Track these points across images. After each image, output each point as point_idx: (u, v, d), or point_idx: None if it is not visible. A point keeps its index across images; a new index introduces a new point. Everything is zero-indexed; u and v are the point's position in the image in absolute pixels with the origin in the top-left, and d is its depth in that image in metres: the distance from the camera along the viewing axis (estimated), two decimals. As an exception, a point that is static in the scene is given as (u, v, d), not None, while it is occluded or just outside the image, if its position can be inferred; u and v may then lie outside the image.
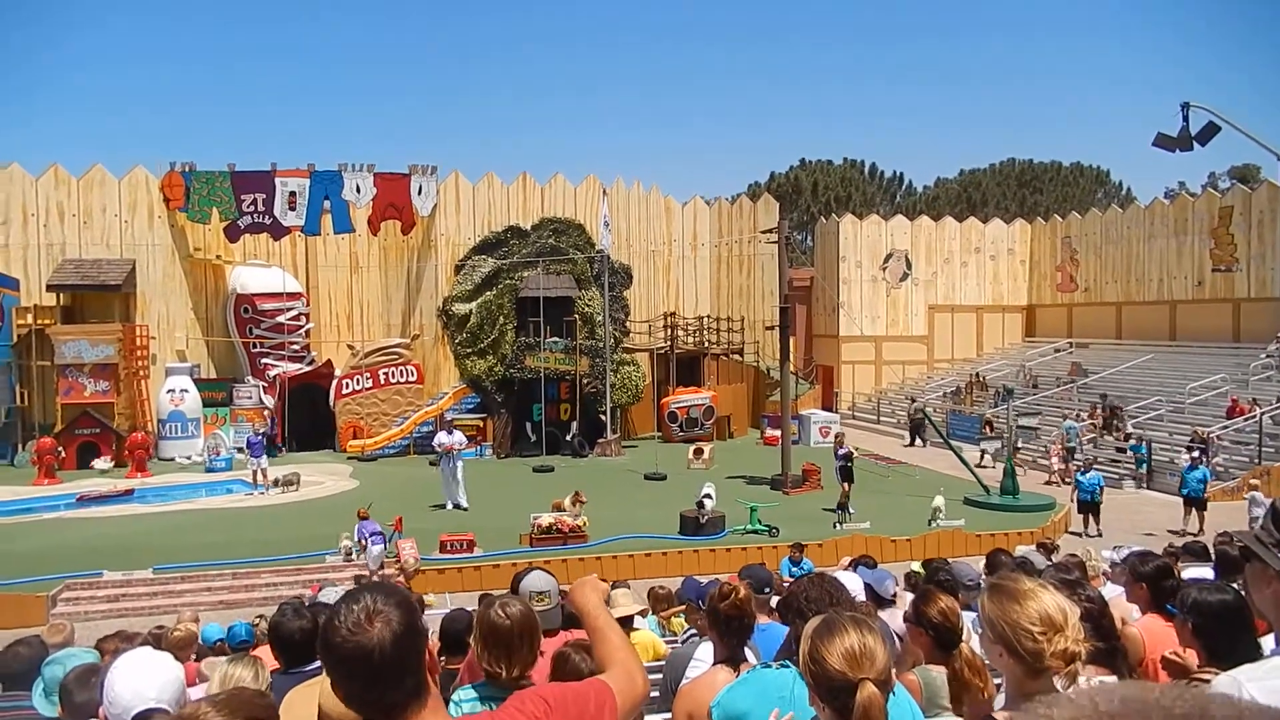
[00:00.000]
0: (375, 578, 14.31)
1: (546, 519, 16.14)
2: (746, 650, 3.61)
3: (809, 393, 33.12)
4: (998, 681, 2.99)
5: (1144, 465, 22.70)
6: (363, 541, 14.77)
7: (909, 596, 7.62)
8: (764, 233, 27.56)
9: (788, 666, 3.02)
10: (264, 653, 5.99)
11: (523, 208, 30.47)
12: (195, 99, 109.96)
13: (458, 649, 5.29)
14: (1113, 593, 5.59)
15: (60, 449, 23.26)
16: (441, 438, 19.26)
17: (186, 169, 27.86)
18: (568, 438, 26.31)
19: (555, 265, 27.60)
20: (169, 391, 26.01)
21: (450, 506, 18.99)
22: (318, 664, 4.40)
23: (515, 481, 22.33)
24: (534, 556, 15.08)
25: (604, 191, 29.94)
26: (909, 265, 37.36)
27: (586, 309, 27.40)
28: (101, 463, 23.25)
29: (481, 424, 26.43)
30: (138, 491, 21.09)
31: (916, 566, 9.37)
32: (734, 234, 34.84)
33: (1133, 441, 23.66)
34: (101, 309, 26.93)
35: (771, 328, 24.95)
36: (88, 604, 13.81)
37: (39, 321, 26.26)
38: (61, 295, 26.44)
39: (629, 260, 30.47)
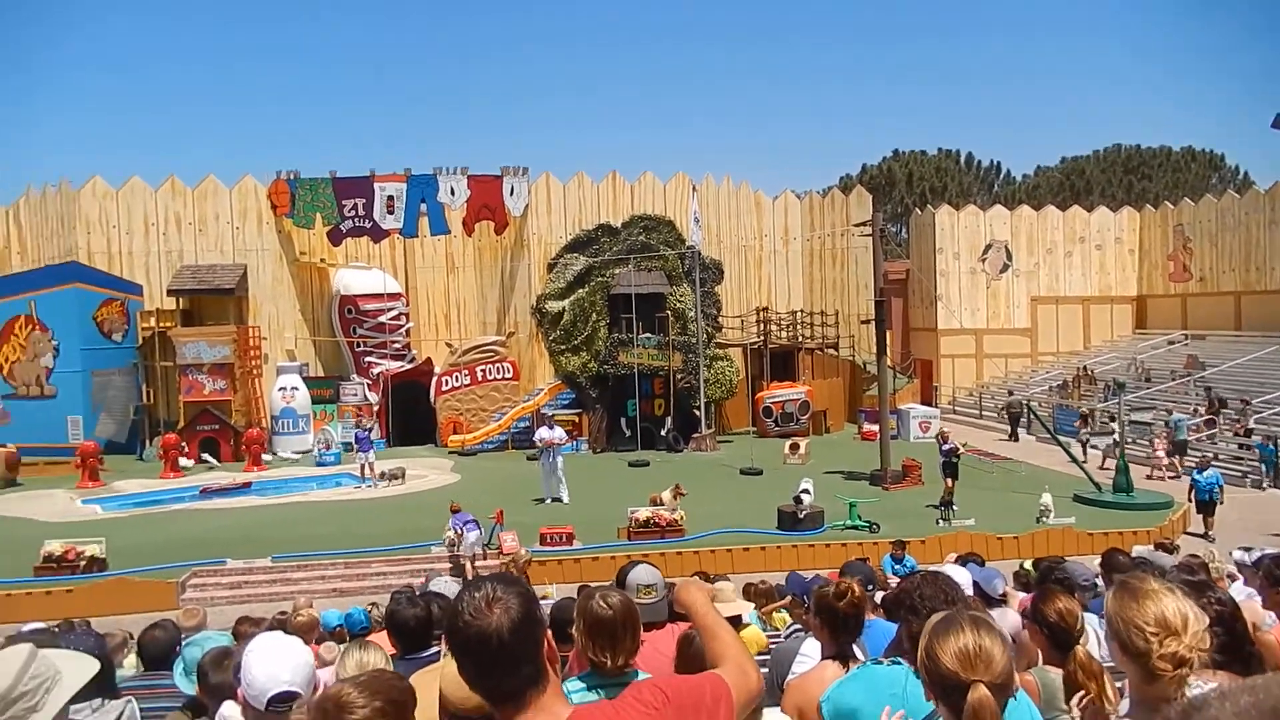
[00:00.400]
0: (474, 564, 14.71)
1: (644, 513, 16.29)
2: (854, 647, 3.61)
3: (907, 387, 32.43)
4: (1120, 685, 2.92)
5: (1271, 465, 21.44)
6: (459, 531, 15.16)
7: (1019, 596, 7.45)
8: (857, 226, 27.13)
9: (899, 663, 3.01)
10: (380, 639, 6.26)
11: (613, 205, 30.74)
12: (299, 108, 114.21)
13: (565, 639, 5.42)
14: (1241, 595, 5.36)
15: (184, 444, 24.53)
16: (542, 433, 19.61)
17: (291, 177, 29.03)
18: (662, 433, 26.44)
19: (646, 262, 27.74)
20: (280, 389, 27.15)
21: (549, 500, 19.31)
22: (434, 650, 4.58)
23: (611, 476, 22.56)
24: (632, 550, 15.23)
25: (693, 188, 29.94)
26: (1009, 256, 36.23)
27: (678, 305, 27.46)
28: (185, 461, 24.32)
29: (577, 419, 26.76)
30: (254, 484, 22.11)
31: (1027, 565, 9.14)
32: (826, 227, 34.39)
33: (1258, 439, 22.41)
34: (217, 311, 28.33)
35: (867, 321, 24.55)
36: (213, 590, 14.57)
37: (161, 324, 27.79)
38: (181, 299, 27.93)
39: (720, 256, 30.40)
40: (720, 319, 29.52)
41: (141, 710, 4.47)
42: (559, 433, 19.81)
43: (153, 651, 5.45)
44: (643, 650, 3.50)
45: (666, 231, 28.60)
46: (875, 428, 23.71)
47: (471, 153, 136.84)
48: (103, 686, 4.29)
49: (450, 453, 26.11)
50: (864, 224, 25.03)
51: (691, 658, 3.33)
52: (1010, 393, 30.76)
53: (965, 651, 2.10)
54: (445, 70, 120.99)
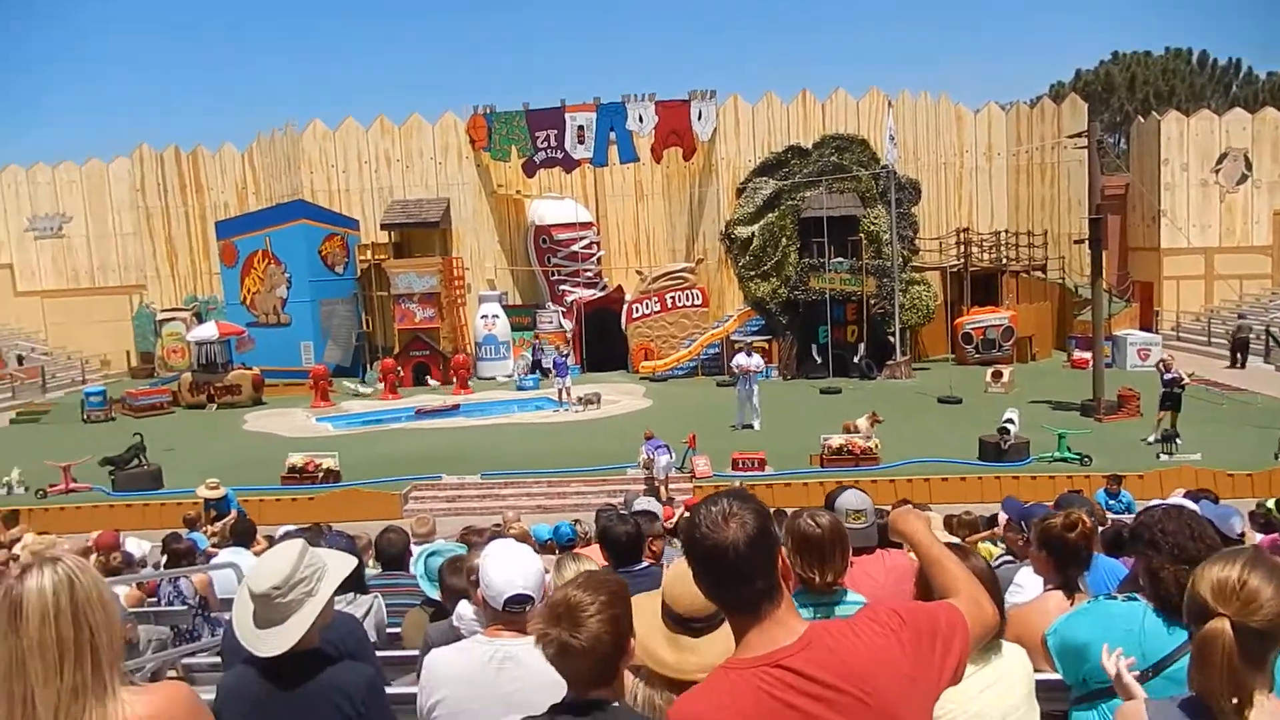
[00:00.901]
0: (667, 487, 15.13)
1: (837, 440, 16.13)
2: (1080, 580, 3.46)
3: (1124, 311, 30.05)
4: None
5: None
6: (650, 456, 15.59)
7: (1258, 537, 6.86)
8: (1070, 137, 25.02)
9: (1135, 599, 2.87)
10: (590, 552, 6.60)
11: (803, 126, 29.85)
12: (492, 44, 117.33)
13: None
14: None
15: (399, 369, 26.42)
16: (740, 359, 19.67)
17: (488, 111, 30.03)
18: (855, 360, 25.90)
19: (838, 184, 26.87)
20: (482, 317, 28.60)
21: (740, 426, 19.46)
22: (644, 564, 4.78)
23: (802, 403, 22.41)
24: (824, 477, 15.17)
25: (889, 104, 28.54)
26: (1249, 166, 32.37)
27: (872, 228, 26.52)
28: (363, 388, 26.19)
29: (766, 346, 26.63)
30: (462, 407, 23.58)
31: (1269, 504, 8.39)
32: (1034, 140, 31.98)
33: None
34: (424, 244, 30.07)
35: (1080, 241, 22.76)
36: (431, 502, 15.76)
37: (376, 257, 29.86)
38: (392, 233, 29.81)
39: (917, 175, 29.01)
40: (917, 241, 28.28)
41: (385, 605, 4.98)
42: (757, 360, 19.83)
43: (389, 553, 6.01)
44: (853, 574, 3.50)
45: (860, 151, 27.50)
46: (1087, 355, 22.20)
47: (659, 79, 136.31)
48: (355, 583, 4.81)
49: (642, 378, 26.72)
50: (1078, 135, 23.06)
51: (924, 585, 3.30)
52: (1241, 316, 27.86)
53: (1224, 582, 1.95)
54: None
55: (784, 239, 26.82)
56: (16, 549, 8.99)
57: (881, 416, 16.85)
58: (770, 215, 27.26)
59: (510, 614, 2.95)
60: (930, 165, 30.75)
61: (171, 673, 6.05)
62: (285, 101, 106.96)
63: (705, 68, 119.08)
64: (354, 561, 3.13)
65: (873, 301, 26.07)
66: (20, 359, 32.33)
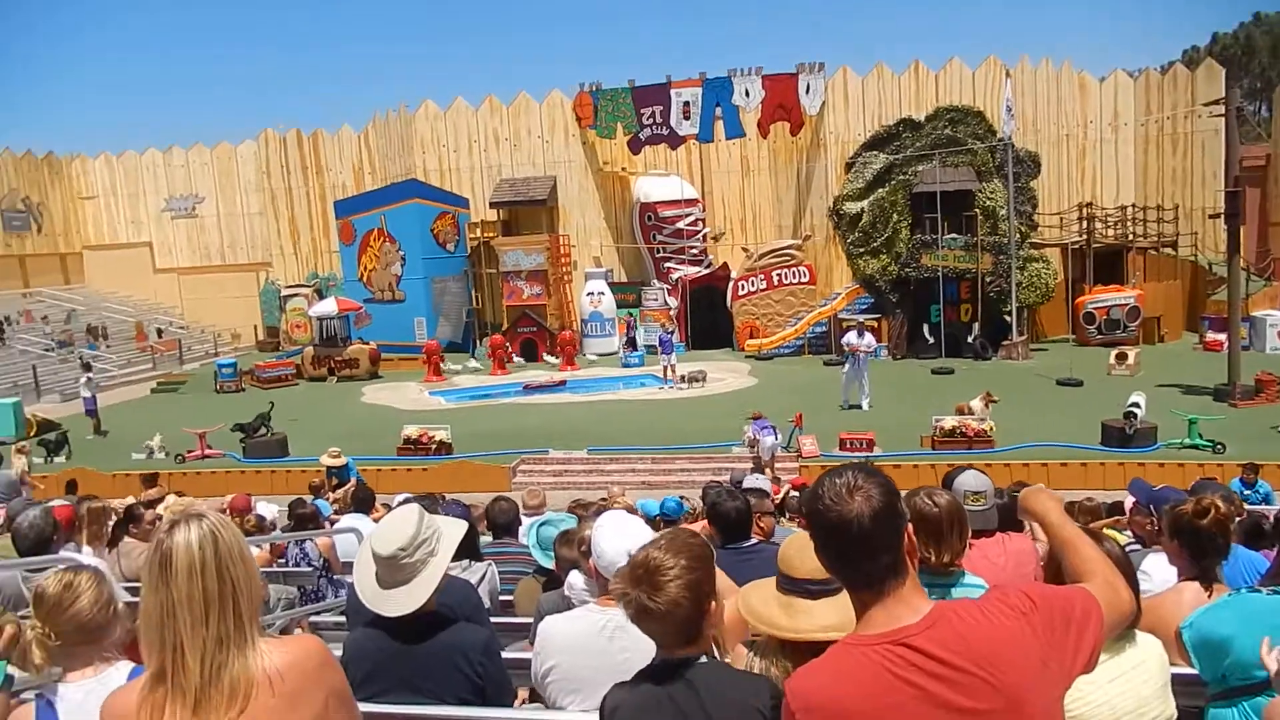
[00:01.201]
0: (772, 468, 15.02)
1: (950, 421, 15.70)
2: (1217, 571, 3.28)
3: (1264, 290, 28.12)
4: None
5: None
6: (755, 436, 15.49)
7: None
8: (1206, 105, 23.52)
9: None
10: (697, 529, 6.64)
11: (915, 98, 28.93)
12: (599, 20, 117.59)
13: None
14: None
15: (507, 344, 26.97)
16: (851, 338, 19.29)
17: (594, 89, 30.16)
18: (969, 339, 25.08)
19: (952, 157, 25.95)
20: (588, 294, 28.89)
21: (847, 406, 19.14)
22: (753, 541, 4.77)
23: (913, 383, 21.87)
24: (935, 459, 14.80)
25: (1006, 73, 27.38)
26: (1405, 131, 29.85)
27: (988, 202, 25.55)
28: (472, 363, 26.66)
29: (876, 324, 26.03)
30: (569, 383, 23.92)
31: None
32: (1165, 109, 30.21)
33: None
34: (531, 221, 30.52)
35: (1216, 216, 21.41)
36: (538, 475, 16.08)
37: (485, 234, 30.47)
38: (500, 211, 30.35)
39: (1036, 147, 27.80)
40: (1035, 217, 27.10)
41: (498, 572, 5.12)
42: (868, 339, 19.42)
43: (500, 521, 6.17)
44: (971, 556, 3.41)
45: (975, 123, 26.44)
46: (1222, 337, 20.95)
47: (767, 52, 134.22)
48: (469, 550, 4.95)
49: (747, 357, 26.55)
50: (1215, 103, 21.65)
51: (1056, 570, 3.19)
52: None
53: None
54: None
55: (895, 214, 26.11)
56: (160, 509, 9.61)
57: (996, 397, 16.29)
58: (880, 190, 26.57)
59: (621, 583, 2.98)
60: (1051, 137, 29.42)
61: (298, 630, 6.38)
62: (399, 83, 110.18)
63: (814, 40, 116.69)
64: (464, 525, 3.22)
65: (988, 279, 25.16)
66: (160, 332, 34.42)
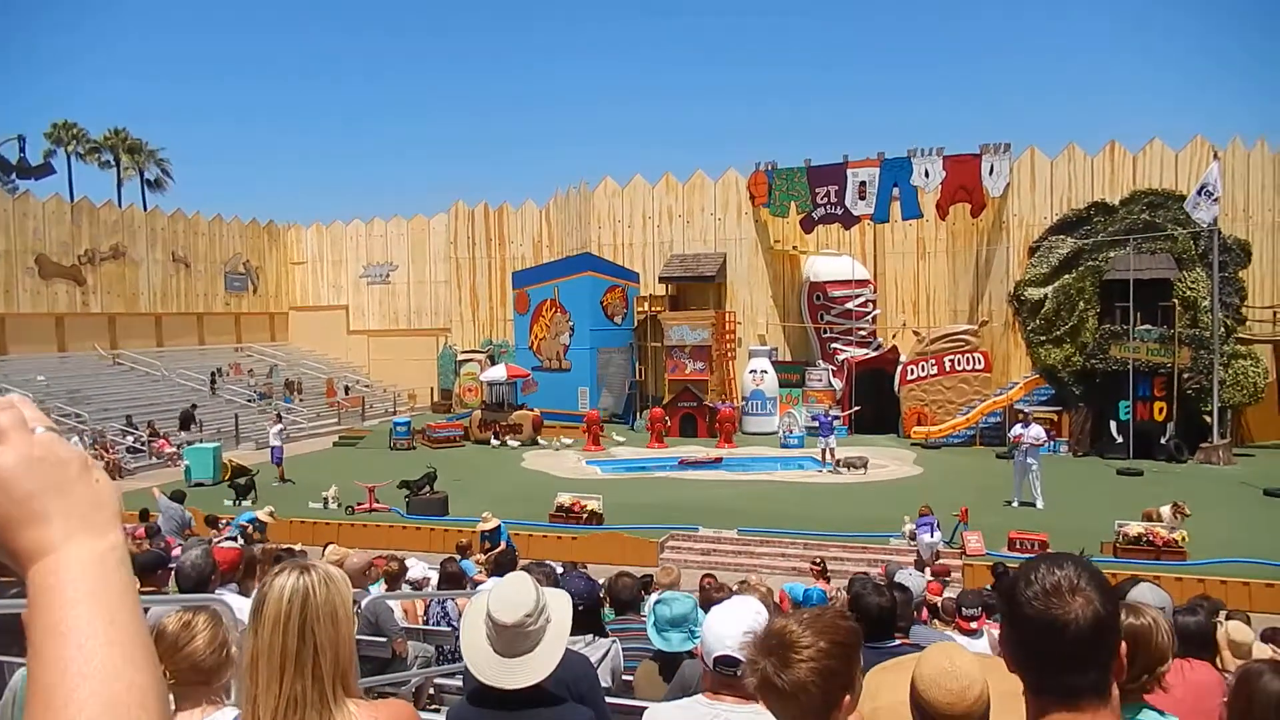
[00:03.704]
0: (933, 565, 14.14)
1: (1135, 528, 14.36)
2: None
3: None
4: None
5: None
6: (915, 531, 14.66)
7: None
8: None
9: None
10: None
11: (1109, 181, 27.40)
12: (776, 99, 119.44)
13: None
14: None
15: (667, 419, 27.07)
16: (1018, 429, 18.21)
17: (769, 168, 30.39)
18: (1162, 440, 23.06)
19: (1149, 244, 24.32)
20: (751, 372, 28.68)
21: (1017, 503, 17.92)
22: (895, 642, 4.43)
23: (1095, 483, 20.27)
24: (1118, 568, 13.52)
25: (1214, 154, 25.47)
26: None
27: (1188, 293, 23.69)
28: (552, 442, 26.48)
29: (1056, 418, 24.44)
30: (725, 460, 23.66)
31: None
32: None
33: None
34: (698, 297, 30.85)
35: None
36: (686, 553, 15.84)
37: (653, 309, 31.02)
38: (669, 286, 30.85)
39: (1247, 235, 25.66)
40: (1243, 309, 24.88)
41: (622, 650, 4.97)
42: (1037, 430, 18.20)
43: (622, 597, 6.03)
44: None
45: (1176, 208, 24.68)
46: None
47: (947, 132, 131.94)
48: (593, 624, 4.84)
49: (913, 444, 25.47)
50: None
51: (1252, 696, 2.74)
52: None
53: None
54: (922, 48, 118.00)
55: (1081, 302, 24.66)
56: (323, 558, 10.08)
57: (1189, 510, 14.77)
58: (1067, 276, 25.20)
59: (723, 675, 2.82)
60: (1265, 224, 27.07)
61: (430, 690, 6.43)
62: (583, 160, 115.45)
63: (999, 120, 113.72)
64: (567, 595, 3.12)
65: (1186, 375, 23.16)
66: (347, 389, 36.79)
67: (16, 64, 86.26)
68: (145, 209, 39.01)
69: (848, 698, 1.96)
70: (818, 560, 12.16)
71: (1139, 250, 24.23)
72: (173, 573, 5.69)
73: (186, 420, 28.35)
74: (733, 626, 2.85)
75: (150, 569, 5.91)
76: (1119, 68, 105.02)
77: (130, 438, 26.60)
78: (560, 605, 2.92)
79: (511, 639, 2.72)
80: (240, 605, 4.80)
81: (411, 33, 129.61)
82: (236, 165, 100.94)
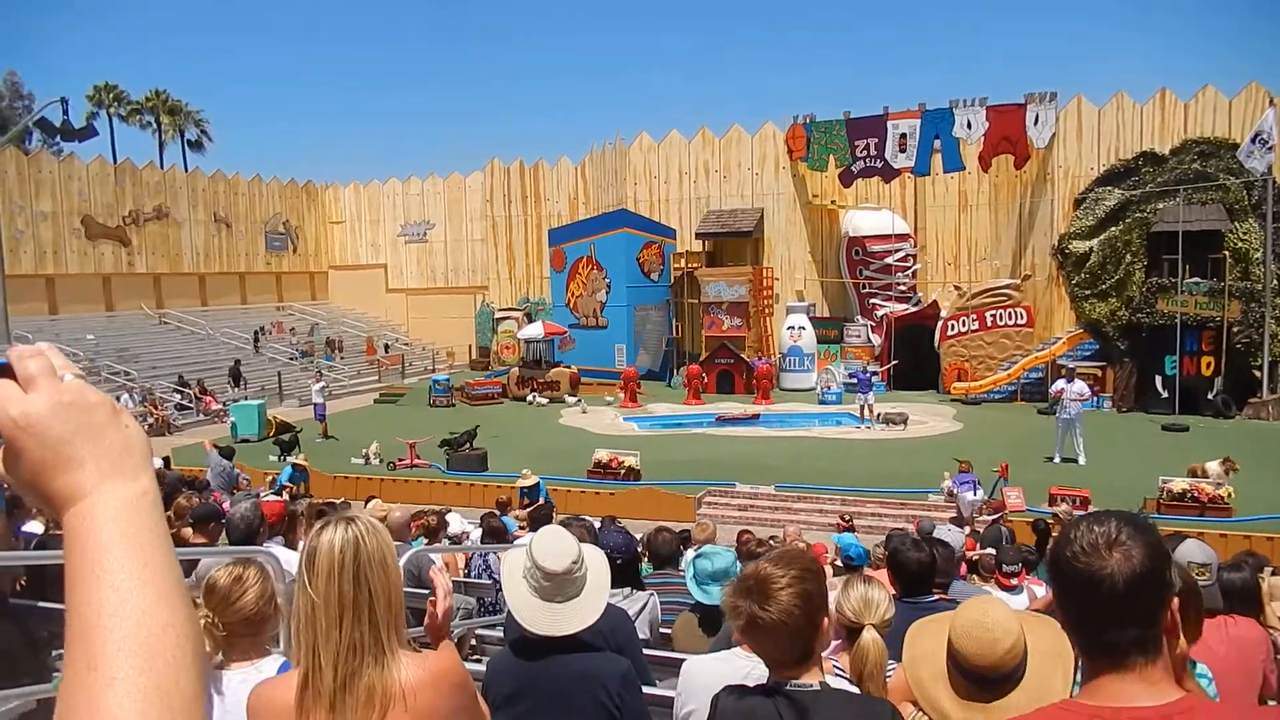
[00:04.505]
0: (974, 523, 14.08)
1: (1179, 484, 14.16)
2: None
3: None
4: None
5: None
6: (955, 489, 14.57)
7: None
8: None
9: None
10: (874, 574, 6.27)
11: (1159, 130, 26.56)
12: (815, 57, 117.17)
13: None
14: None
15: (703, 375, 27.07)
16: (1060, 385, 17.96)
17: (807, 121, 29.87)
18: (1209, 395, 22.63)
19: (1200, 194, 23.66)
20: (789, 328, 28.52)
21: (1059, 460, 17.74)
22: (933, 597, 4.43)
23: (1138, 439, 19.99)
24: (1162, 525, 13.38)
25: (1270, 101, 24.58)
26: None
27: (1240, 244, 23.06)
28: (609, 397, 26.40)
29: (1100, 373, 24.06)
30: (762, 417, 23.65)
31: None
32: None
33: None
34: (736, 253, 30.62)
35: None
36: (723, 509, 15.94)
37: (689, 265, 30.86)
38: (706, 242, 30.65)
39: (1304, 183, 24.82)
40: (1298, 262, 24.20)
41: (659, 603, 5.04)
42: (1079, 386, 17.93)
43: (661, 552, 6.09)
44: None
45: (1229, 157, 23.94)
46: None
47: (991, 82, 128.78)
48: (631, 578, 4.90)
49: (953, 400, 25.25)
50: None
51: None
52: None
53: None
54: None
55: (1128, 255, 24.14)
56: (366, 508, 10.30)
57: (1238, 464, 14.52)
58: (1113, 229, 24.65)
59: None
60: (1322, 173, 26.15)
61: (472, 641, 6.57)
62: (618, 113, 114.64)
63: (1045, 68, 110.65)
64: (599, 551, 3.16)
65: (1236, 329, 22.63)
66: (386, 347, 37.23)
67: (58, 26, 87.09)
68: (186, 170, 39.46)
69: (825, 620, 2.12)
70: (846, 516, 12.17)
71: (1189, 201, 23.60)
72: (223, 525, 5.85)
73: (236, 375, 28.91)
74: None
75: (204, 520, 6.07)
76: (1170, 12, 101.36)
77: (179, 395, 27.19)
78: (596, 558, 2.98)
79: (559, 585, 2.78)
80: (287, 558, 4.93)
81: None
82: (275, 126, 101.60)
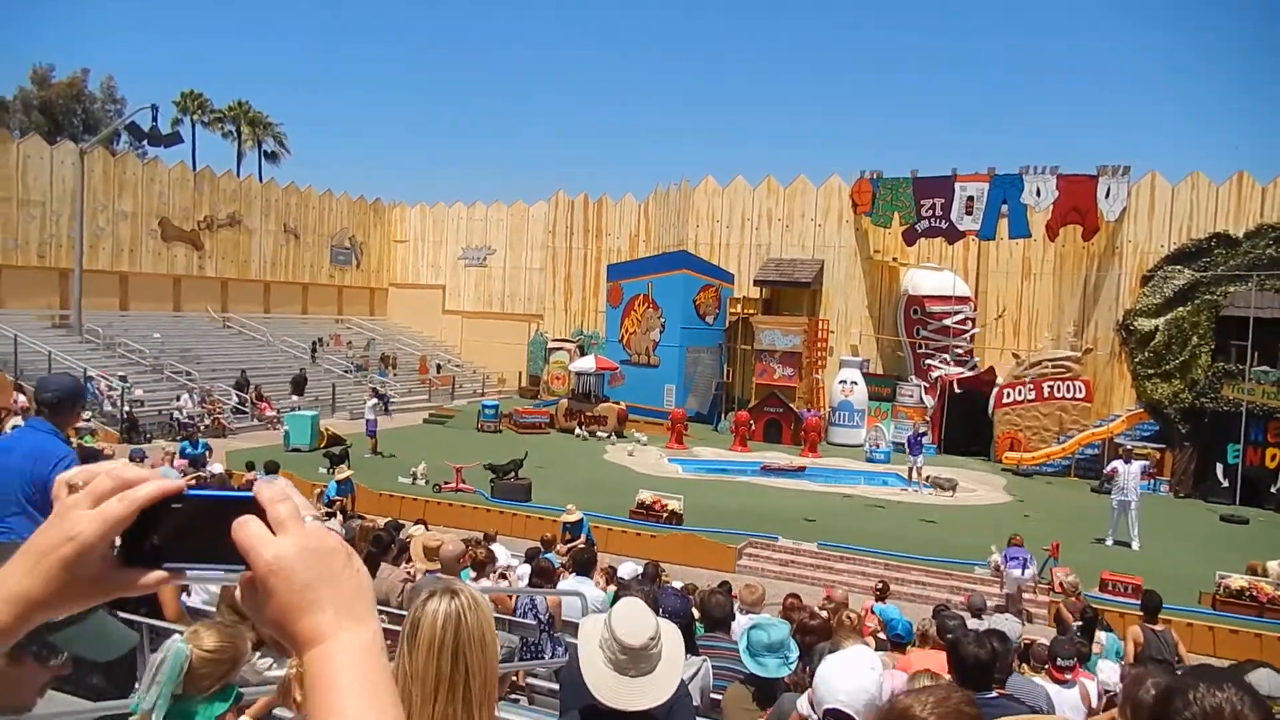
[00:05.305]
0: (1020, 600, 13.77)
1: (1238, 581, 13.73)
2: None
3: None
4: None
5: None
6: (1004, 565, 14.23)
7: None
8: None
9: None
10: (929, 657, 6.18)
11: (1234, 212, 26.08)
12: (880, 111, 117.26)
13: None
14: None
15: (751, 422, 26.96)
16: (1116, 465, 17.58)
17: (874, 177, 29.87)
18: (1272, 488, 21.97)
19: (1273, 280, 23.15)
20: (841, 382, 28.33)
21: (1110, 542, 17.31)
22: (994, 694, 4.37)
23: (1195, 528, 19.45)
24: (1216, 622, 13.00)
25: (1359, 190, 24.06)
26: None
27: (1314, 335, 22.46)
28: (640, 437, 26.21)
29: (1158, 456, 23.51)
30: (808, 469, 23.44)
31: None
32: None
33: None
34: (792, 303, 30.58)
35: None
36: (764, 562, 15.80)
37: (745, 311, 30.89)
38: (763, 289, 30.66)
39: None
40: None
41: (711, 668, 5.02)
42: (1136, 467, 17.54)
43: (715, 614, 6.06)
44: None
45: (1308, 245, 23.48)
46: None
47: (1062, 150, 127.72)
48: (686, 643, 4.90)
49: (1003, 469, 24.82)
50: None
51: None
52: None
53: None
54: (1033, 62, 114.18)
55: (1195, 337, 23.66)
56: (405, 535, 10.41)
57: (1303, 565, 14.05)
58: (1181, 309, 24.20)
59: (829, 728, 2.86)
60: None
61: (520, 681, 6.60)
62: (685, 156, 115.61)
63: (1118, 141, 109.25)
64: (675, 627, 3.18)
65: (1306, 422, 22.00)
66: (439, 367, 37.69)
67: (151, 32, 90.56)
68: (261, 180, 40.62)
69: None
70: (881, 583, 11.98)
71: (1261, 287, 23.12)
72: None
73: (300, 384, 29.32)
74: (847, 681, 2.87)
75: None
76: (1250, 95, 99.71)
77: (236, 398, 27.79)
78: (671, 633, 3.00)
79: (635, 659, 2.80)
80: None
81: (523, 21, 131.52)
82: (348, 142, 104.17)
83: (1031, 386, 25.84)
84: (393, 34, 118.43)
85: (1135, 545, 16.99)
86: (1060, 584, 12.66)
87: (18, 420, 18.95)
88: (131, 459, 13.93)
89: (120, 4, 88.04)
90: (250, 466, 16.64)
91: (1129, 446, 19.80)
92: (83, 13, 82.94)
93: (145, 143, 28.11)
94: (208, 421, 24.88)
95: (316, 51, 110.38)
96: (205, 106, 49.69)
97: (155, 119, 26.39)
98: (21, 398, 22.16)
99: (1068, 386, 25.66)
